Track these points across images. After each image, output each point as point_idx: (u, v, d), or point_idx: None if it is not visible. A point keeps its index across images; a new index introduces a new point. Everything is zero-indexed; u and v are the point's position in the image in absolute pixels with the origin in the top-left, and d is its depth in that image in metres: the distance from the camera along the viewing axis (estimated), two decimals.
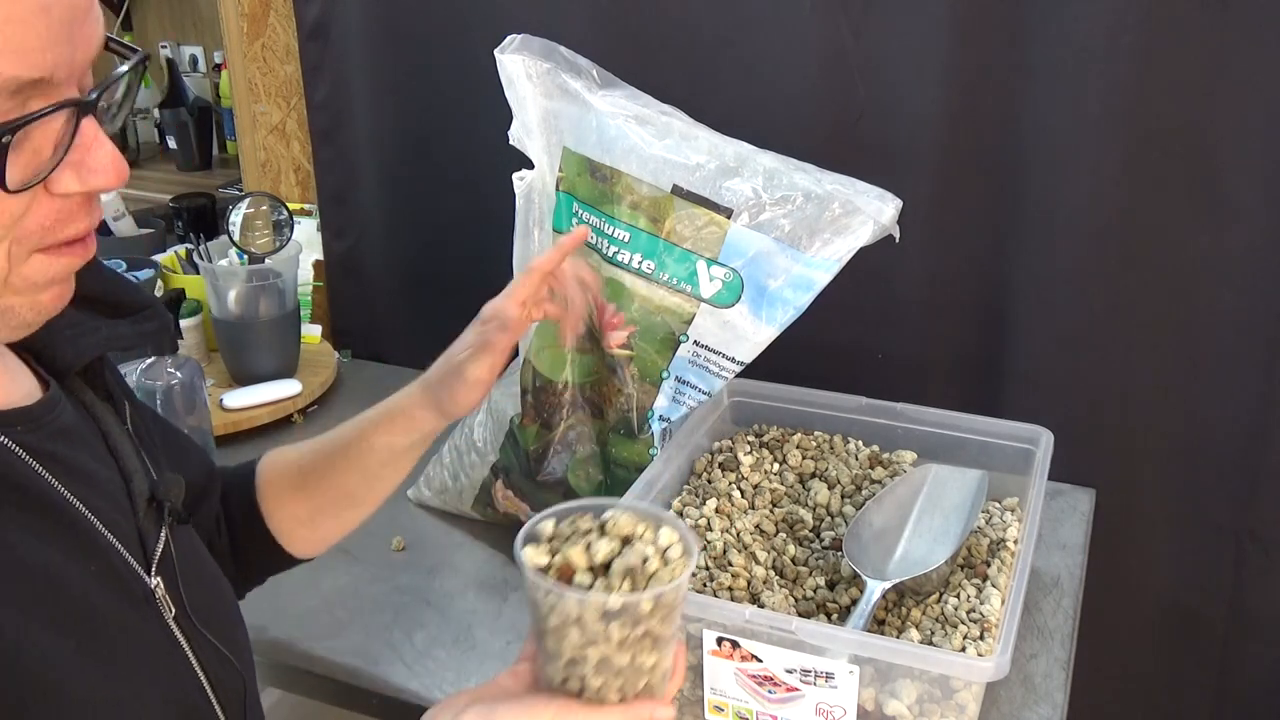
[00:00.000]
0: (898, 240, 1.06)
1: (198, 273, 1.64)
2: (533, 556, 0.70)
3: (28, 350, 0.70)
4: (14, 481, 0.61)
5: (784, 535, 1.11)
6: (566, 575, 0.69)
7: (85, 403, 0.72)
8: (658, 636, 0.70)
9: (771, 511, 1.13)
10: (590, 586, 0.68)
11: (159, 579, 0.70)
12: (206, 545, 0.87)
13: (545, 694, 0.73)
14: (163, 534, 0.72)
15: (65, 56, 0.54)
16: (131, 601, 0.67)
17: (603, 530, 0.72)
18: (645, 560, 0.69)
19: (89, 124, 0.57)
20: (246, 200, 1.60)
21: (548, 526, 0.73)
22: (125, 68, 0.60)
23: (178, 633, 0.70)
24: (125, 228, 2.07)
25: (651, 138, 1.08)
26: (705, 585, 1.02)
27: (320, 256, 1.80)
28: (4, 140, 0.53)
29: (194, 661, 0.71)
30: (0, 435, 0.62)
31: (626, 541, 0.71)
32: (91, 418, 0.72)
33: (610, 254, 1.11)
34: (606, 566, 0.69)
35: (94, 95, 0.57)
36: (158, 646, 0.69)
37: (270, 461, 0.96)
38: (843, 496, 1.16)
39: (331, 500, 0.95)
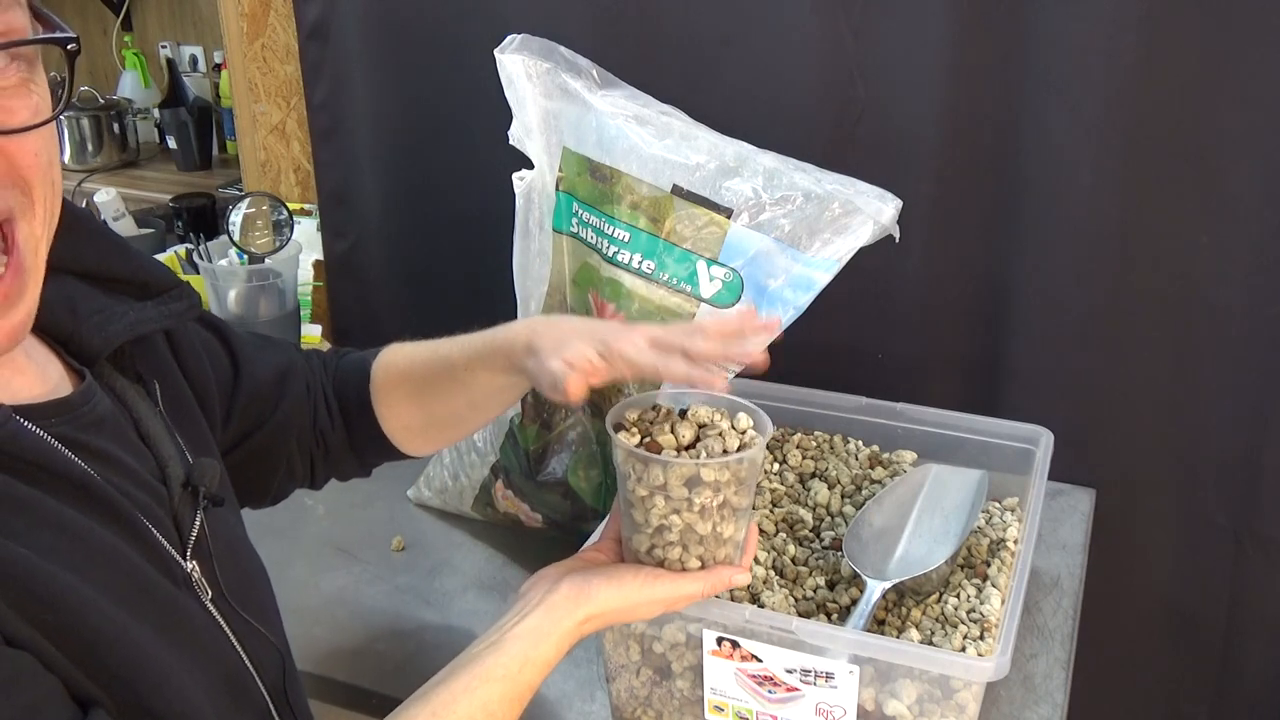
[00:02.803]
0: (898, 240, 1.06)
1: (198, 273, 1.64)
2: (625, 438, 0.79)
3: (55, 340, 0.70)
4: (56, 470, 0.62)
5: (784, 535, 1.11)
6: (654, 452, 0.78)
7: (116, 389, 0.73)
8: (735, 507, 0.79)
9: (771, 511, 1.13)
10: None
11: (194, 563, 0.71)
12: (294, 438, 0.92)
13: (633, 564, 0.81)
14: (198, 518, 0.73)
15: None
16: (174, 583, 0.69)
17: (683, 416, 0.81)
18: (723, 435, 0.79)
19: None
20: (246, 200, 1.60)
21: (633, 413, 0.82)
22: None
23: (216, 614, 0.72)
24: (125, 228, 2.07)
25: (651, 138, 1.08)
26: None
27: (320, 256, 1.80)
28: None
29: (234, 641, 0.73)
30: (36, 427, 0.63)
31: (705, 426, 0.81)
32: (123, 404, 0.73)
33: (610, 254, 1.11)
34: (690, 447, 0.79)
35: None
36: (200, 625, 0.70)
37: (386, 363, 0.97)
38: (843, 496, 1.16)
39: (442, 417, 0.97)
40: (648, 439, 0.80)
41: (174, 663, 0.64)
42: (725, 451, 0.78)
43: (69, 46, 0.60)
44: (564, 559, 0.85)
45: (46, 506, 0.60)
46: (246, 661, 0.74)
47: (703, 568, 0.81)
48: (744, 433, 0.80)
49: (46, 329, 0.69)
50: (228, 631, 0.72)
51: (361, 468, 1.02)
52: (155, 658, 0.63)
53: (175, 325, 0.78)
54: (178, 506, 0.71)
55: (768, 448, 1.22)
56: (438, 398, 0.95)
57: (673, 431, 0.79)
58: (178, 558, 0.70)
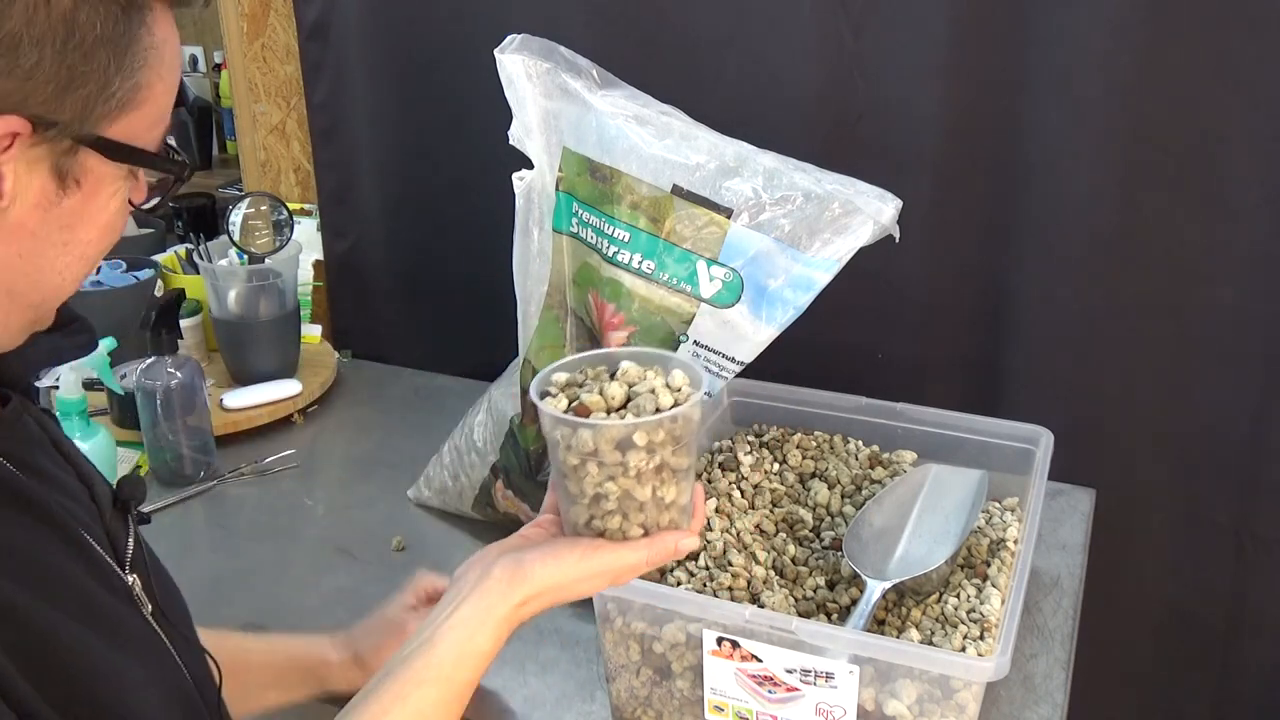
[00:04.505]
0: (898, 240, 1.06)
1: (198, 273, 1.64)
2: (552, 404, 0.74)
3: None
4: (3, 486, 0.62)
5: (784, 535, 1.11)
6: (583, 416, 0.73)
7: (31, 414, 0.73)
8: (674, 469, 0.74)
9: (771, 511, 1.13)
10: None
11: (134, 576, 0.71)
12: None
13: (571, 537, 0.76)
14: (131, 533, 0.73)
15: None
16: (118, 598, 0.69)
17: (613, 377, 0.76)
18: (655, 393, 0.73)
19: None
20: (246, 200, 1.60)
21: (561, 377, 0.78)
22: None
23: (157, 629, 0.72)
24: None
25: (651, 138, 1.08)
26: (705, 585, 1.02)
27: (320, 256, 1.80)
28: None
29: (175, 656, 0.72)
30: None
31: (636, 385, 0.75)
32: (41, 428, 0.73)
33: (610, 254, 1.11)
34: (621, 409, 0.74)
35: None
36: (147, 640, 0.70)
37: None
38: (843, 496, 1.16)
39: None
40: (576, 403, 0.74)
41: (134, 678, 0.64)
42: (658, 410, 0.73)
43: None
44: (503, 540, 0.81)
45: None
46: (188, 676, 0.73)
47: (646, 535, 0.75)
48: (679, 390, 0.75)
49: None
50: (169, 646, 0.72)
51: None
52: (117, 673, 0.62)
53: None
54: (109, 523, 0.72)
55: (768, 447, 1.23)
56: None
57: (601, 393, 0.74)
58: (119, 571, 0.70)
